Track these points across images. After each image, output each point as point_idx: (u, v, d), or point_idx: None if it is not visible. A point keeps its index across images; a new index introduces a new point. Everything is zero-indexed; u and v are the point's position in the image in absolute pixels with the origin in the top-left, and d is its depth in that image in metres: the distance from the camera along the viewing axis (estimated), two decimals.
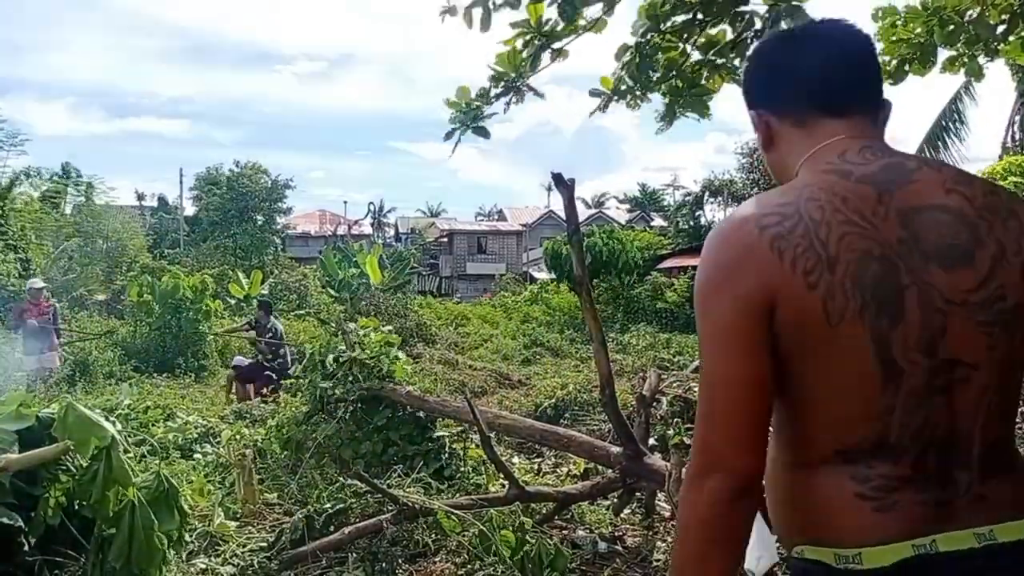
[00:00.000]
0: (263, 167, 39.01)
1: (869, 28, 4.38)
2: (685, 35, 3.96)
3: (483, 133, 4.06)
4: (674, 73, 4.09)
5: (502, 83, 3.97)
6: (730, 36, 3.92)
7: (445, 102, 4.04)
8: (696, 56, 4.07)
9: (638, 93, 4.17)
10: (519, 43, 3.84)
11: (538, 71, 3.98)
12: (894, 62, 4.45)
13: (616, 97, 4.18)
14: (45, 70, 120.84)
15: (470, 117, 4.01)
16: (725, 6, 3.72)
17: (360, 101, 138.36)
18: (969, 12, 4.13)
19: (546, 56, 3.90)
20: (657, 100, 4.35)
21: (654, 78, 4.11)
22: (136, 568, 3.23)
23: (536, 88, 4.07)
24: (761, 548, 3.24)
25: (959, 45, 4.29)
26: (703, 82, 4.16)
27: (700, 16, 3.82)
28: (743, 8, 3.70)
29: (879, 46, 4.46)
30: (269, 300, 13.69)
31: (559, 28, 3.75)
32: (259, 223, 37.86)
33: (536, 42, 3.79)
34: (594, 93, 4.18)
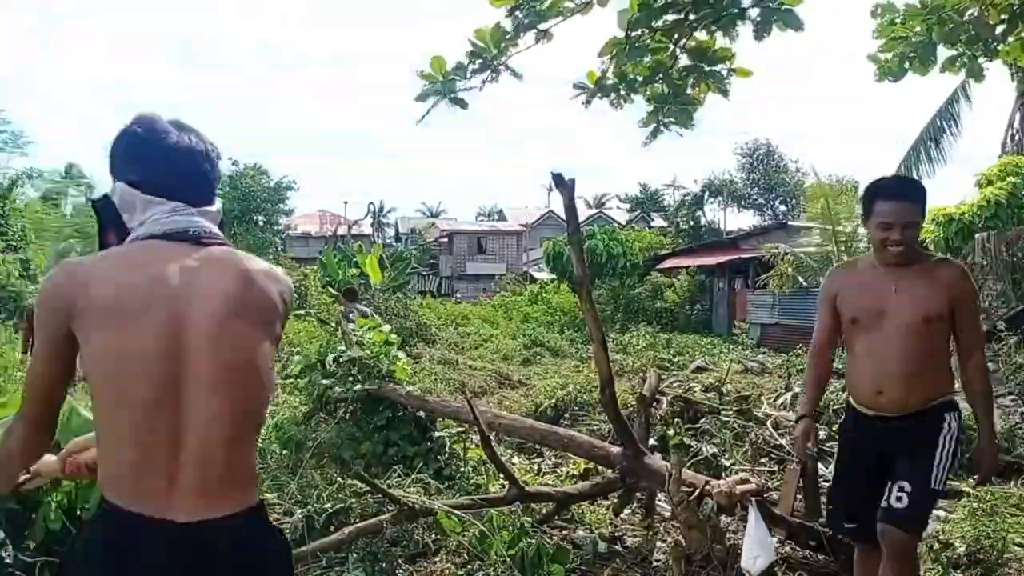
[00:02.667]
0: (264, 168, 39.03)
1: (867, 25, 4.36)
2: (675, 35, 3.94)
3: (461, 104, 4.07)
4: (660, 76, 4.07)
5: (480, 59, 3.96)
6: (720, 40, 3.90)
7: (418, 74, 4.00)
8: (684, 61, 4.06)
9: (622, 92, 4.16)
10: (507, 21, 3.83)
11: (519, 51, 3.96)
12: (894, 59, 4.43)
13: (600, 94, 4.17)
14: (47, 70, 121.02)
15: (446, 88, 4.01)
16: (716, 5, 3.71)
17: (360, 102, 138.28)
18: (969, 11, 4.12)
19: (530, 36, 3.88)
20: (641, 106, 4.33)
21: (640, 79, 4.09)
22: None
23: (514, 69, 4.05)
24: (758, 548, 3.24)
25: (959, 45, 4.28)
26: (689, 90, 4.14)
27: (691, 16, 3.81)
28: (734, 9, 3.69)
29: (878, 43, 4.45)
30: (353, 286, 12.45)
31: (547, 5, 3.74)
32: (260, 224, 37.85)
33: (520, 14, 3.76)
34: (578, 87, 4.17)
